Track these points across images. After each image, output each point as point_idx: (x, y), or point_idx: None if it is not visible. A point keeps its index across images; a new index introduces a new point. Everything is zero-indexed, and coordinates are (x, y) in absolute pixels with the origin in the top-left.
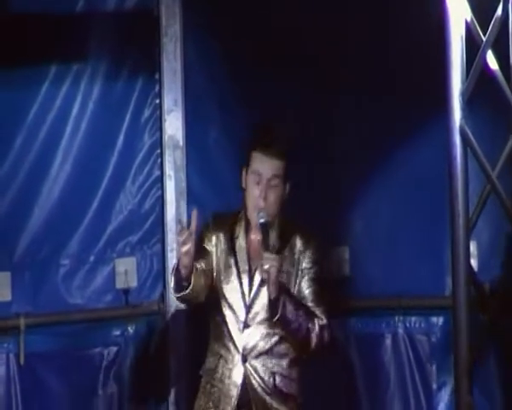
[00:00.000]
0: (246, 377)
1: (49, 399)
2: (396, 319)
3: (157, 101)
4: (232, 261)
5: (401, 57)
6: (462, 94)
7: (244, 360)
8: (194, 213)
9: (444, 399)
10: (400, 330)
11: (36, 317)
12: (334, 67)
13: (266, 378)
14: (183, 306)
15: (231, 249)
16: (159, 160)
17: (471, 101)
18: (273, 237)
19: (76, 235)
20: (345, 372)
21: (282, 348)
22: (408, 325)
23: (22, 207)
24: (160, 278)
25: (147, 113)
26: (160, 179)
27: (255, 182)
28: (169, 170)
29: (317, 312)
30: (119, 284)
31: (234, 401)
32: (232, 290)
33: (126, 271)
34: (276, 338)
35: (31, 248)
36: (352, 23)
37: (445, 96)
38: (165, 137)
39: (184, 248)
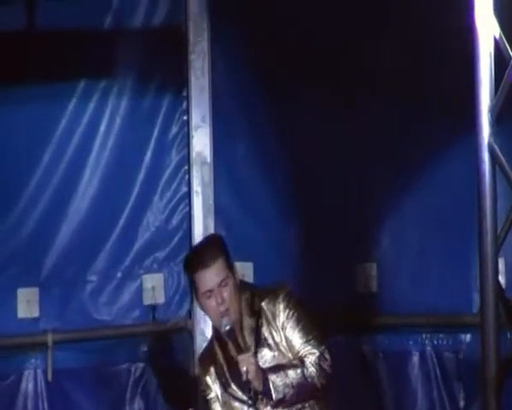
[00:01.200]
0: None
1: None
2: (424, 336)
3: (185, 117)
4: (225, 390)
5: (431, 73)
6: (491, 111)
7: None
8: None
9: None
10: (428, 348)
11: (63, 333)
12: (365, 82)
13: None
14: (210, 322)
15: (220, 378)
16: (186, 176)
17: (500, 118)
18: (248, 325)
19: (103, 251)
20: (373, 389)
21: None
22: (435, 342)
23: (50, 223)
24: (188, 294)
25: (174, 129)
26: (188, 196)
27: (207, 298)
28: (196, 186)
29: (309, 349)
30: (147, 300)
31: None
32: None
33: (154, 287)
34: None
35: (58, 264)
36: (385, 37)
37: (474, 113)
38: (193, 154)
39: None
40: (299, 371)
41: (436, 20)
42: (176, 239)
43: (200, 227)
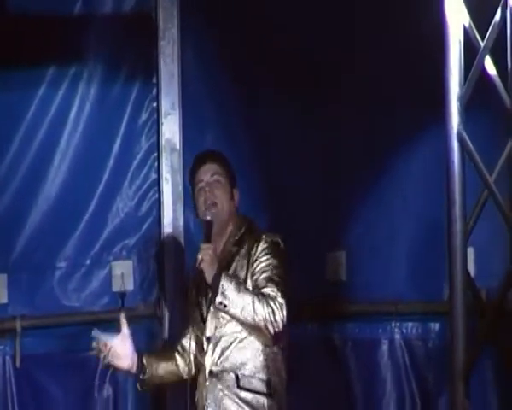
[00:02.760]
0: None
1: (44, 401)
2: (393, 324)
3: (154, 104)
4: (196, 296)
5: (399, 62)
6: (460, 99)
7: (210, 373)
8: (122, 316)
9: (440, 405)
10: (397, 336)
11: (32, 319)
12: (334, 72)
13: (230, 384)
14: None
15: (197, 287)
16: (156, 163)
17: (469, 106)
18: (229, 238)
19: (72, 238)
20: (341, 377)
21: (243, 353)
22: (405, 330)
23: (19, 209)
24: (157, 281)
25: (144, 116)
26: (157, 183)
27: (199, 189)
28: (166, 173)
29: (269, 292)
30: (116, 287)
31: None
32: (195, 317)
33: (123, 274)
34: (235, 344)
35: (27, 250)
36: (353, 30)
37: (443, 101)
38: (163, 141)
39: (110, 358)
40: (252, 295)
41: (405, 9)
42: (145, 226)
43: (170, 214)
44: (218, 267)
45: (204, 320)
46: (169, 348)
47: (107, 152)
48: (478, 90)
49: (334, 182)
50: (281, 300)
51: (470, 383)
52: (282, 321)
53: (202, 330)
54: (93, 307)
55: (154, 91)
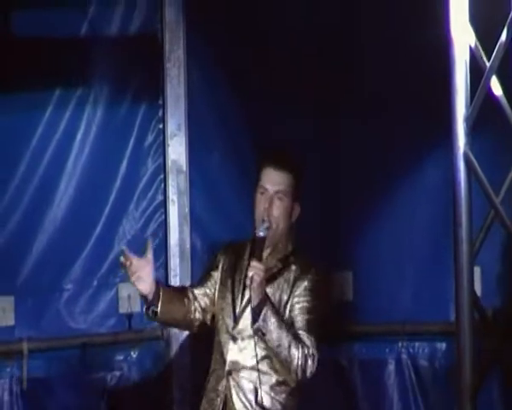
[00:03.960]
0: (229, 391)
1: None
2: (400, 344)
3: (160, 126)
4: (230, 280)
5: (406, 82)
6: (467, 119)
7: (229, 372)
8: (149, 243)
9: None
10: (404, 356)
11: (39, 341)
12: (339, 91)
13: (248, 394)
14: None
15: (233, 268)
16: (162, 185)
17: (475, 126)
18: (276, 252)
19: (79, 260)
20: (348, 398)
21: (269, 365)
22: (411, 350)
23: (26, 231)
24: None
25: (150, 138)
26: (164, 204)
27: (260, 194)
28: (172, 195)
29: (306, 339)
30: (122, 308)
31: None
32: (226, 305)
33: (129, 296)
34: (263, 353)
35: (34, 272)
36: (359, 46)
37: (450, 122)
38: (169, 162)
39: (133, 277)
40: (290, 336)
41: (411, 29)
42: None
43: (176, 236)
44: (265, 293)
45: (234, 310)
46: (182, 291)
47: (113, 174)
48: (484, 110)
49: (340, 202)
50: (315, 351)
51: (477, 403)
52: (311, 373)
53: (228, 315)
54: (100, 329)
55: (160, 113)
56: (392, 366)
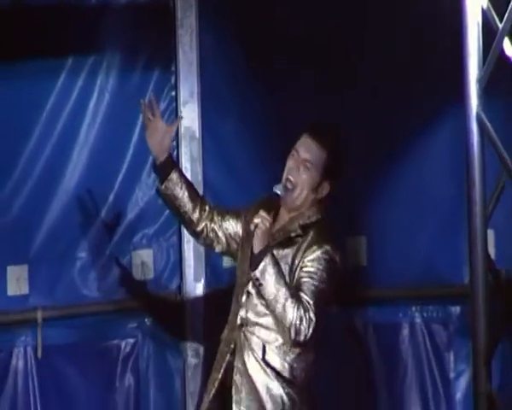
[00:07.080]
0: (239, 343)
1: (66, 392)
2: (413, 308)
3: (173, 93)
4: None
5: (417, 45)
6: (479, 81)
7: (240, 326)
8: (180, 118)
9: (461, 388)
10: (418, 320)
11: (53, 310)
12: (349, 57)
13: (257, 350)
14: (200, 296)
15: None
16: (175, 152)
17: (488, 88)
18: (298, 218)
19: (92, 228)
20: (362, 361)
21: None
22: (425, 314)
23: (39, 200)
24: (177, 269)
25: (163, 105)
26: None
27: (291, 156)
28: (185, 162)
29: (305, 302)
30: (136, 276)
31: (224, 364)
32: (244, 257)
33: (143, 263)
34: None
35: (47, 241)
36: (367, 13)
37: (462, 84)
38: (182, 129)
39: (149, 130)
40: (288, 292)
41: None
42: (164, 215)
43: None
44: (268, 244)
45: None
46: (199, 195)
47: (126, 142)
48: (497, 72)
49: (353, 167)
50: (312, 315)
51: (492, 366)
52: (305, 336)
53: (244, 269)
54: (114, 297)
55: (173, 80)
56: (406, 330)
